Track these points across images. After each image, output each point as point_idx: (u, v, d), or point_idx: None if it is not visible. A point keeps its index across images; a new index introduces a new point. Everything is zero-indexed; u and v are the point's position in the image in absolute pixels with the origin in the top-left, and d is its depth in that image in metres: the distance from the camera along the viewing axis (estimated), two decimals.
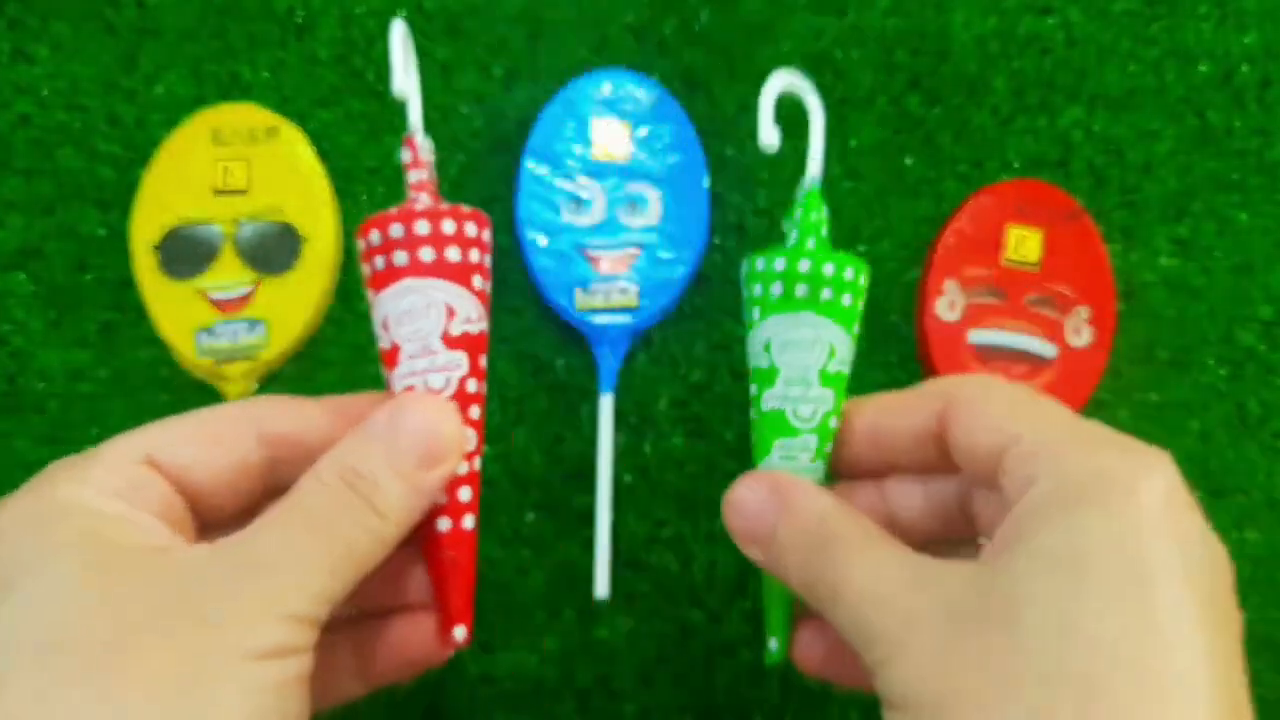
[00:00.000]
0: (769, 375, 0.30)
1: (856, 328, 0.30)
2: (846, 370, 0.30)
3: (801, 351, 0.29)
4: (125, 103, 0.42)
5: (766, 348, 0.30)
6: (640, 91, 0.41)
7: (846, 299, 0.29)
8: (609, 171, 0.41)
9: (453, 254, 0.30)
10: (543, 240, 0.40)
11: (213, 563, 0.23)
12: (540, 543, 0.41)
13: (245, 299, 0.40)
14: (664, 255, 0.41)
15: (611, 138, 0.41)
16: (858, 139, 0.43)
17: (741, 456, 0.41)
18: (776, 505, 0.28)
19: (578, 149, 0.41)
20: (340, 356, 0.41)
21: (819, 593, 0.26)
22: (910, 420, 0.28)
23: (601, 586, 0.40)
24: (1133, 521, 0.22)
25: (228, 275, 0.40)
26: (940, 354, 0.40)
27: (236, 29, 0.42)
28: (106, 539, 0.23)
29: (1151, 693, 0.21)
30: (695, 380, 0.41)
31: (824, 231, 0.30)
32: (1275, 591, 0.42)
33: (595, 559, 0.40)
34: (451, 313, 0.30)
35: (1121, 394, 0.42)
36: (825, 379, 0.29)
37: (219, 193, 0.40)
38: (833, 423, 0.30)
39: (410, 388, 0.29)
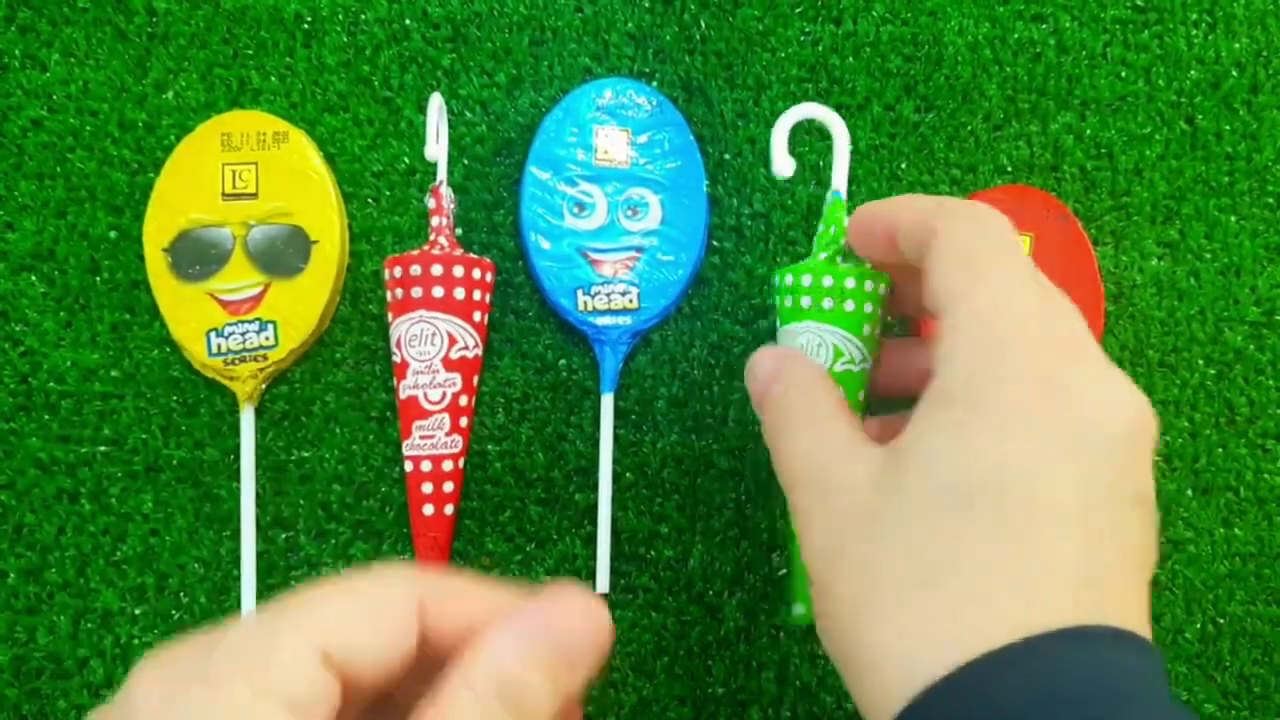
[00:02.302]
0: None
1: (867, 328, 0.33)
2: (857, 368, 0.33)
3: (810, 356, 0.33)
4: (136, 108, 0.43)
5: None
6: (641, 98, 0.42)
7: (849, 305, 0.33)
8: (610, 176, 0.42)
9: (459, 293, 0.36)
10: (545, 244, 0.41)
11: None
12: (543, 538, 0.41)
13: (255, 300, 0.41)
14: (664, 258, 0.41)
15: (612, 143, 0.42)
16: (853, 144, 0.43)
17: (739, 454, 0.42)
18: (776, 372, 0.30)
19: (580, 154, 0.42)
20: (348, 357, 0.42)
21: (773, 452, 0.29)
22: (914, 239, 0.28)
23: (602, 581, 0.40)
24: (1013, 447, 0.23)
25: (238, 277, 0.41)
26: None
27: (246, 36, 0.43)
28: None
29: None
30: (694, 380, 0.42)
31: (844, 241, 0.34)
32: (1263, 587, 0.42)
33: (596, 554, 0.40)
34: (452, 341, 0.36)
35: None
36: (834, 378, 0.32)
37: (229, 196, 0.41)
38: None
39: (412, 398, 0.35)
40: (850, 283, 0.33)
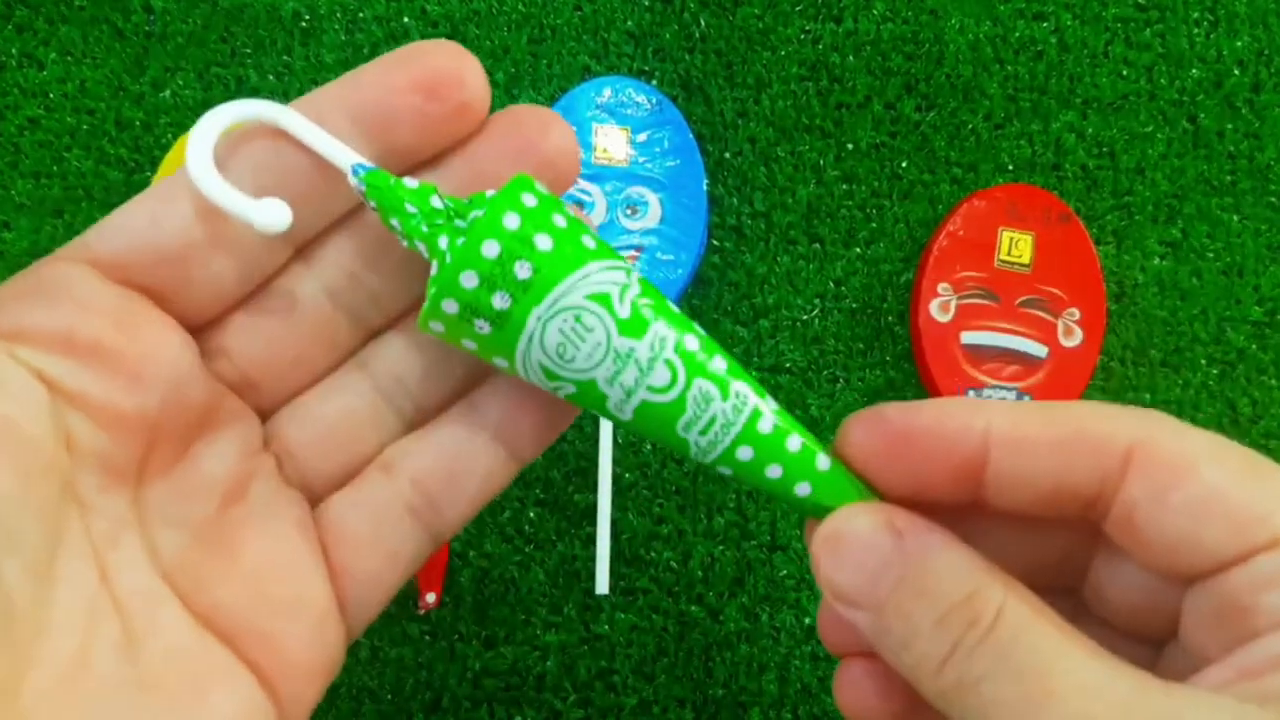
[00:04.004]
0: (589, 392, 0.20)
1: (586, 239, 0.20)
2: (636, 287, 0.20)
3: (581, 341, 0.19)
4: (133, 107, 0.43)
5: (550, 375, 0.20)
6: (640, 97, 0.42)
7: (543, 243, 0.19)
8: (609, 175, 0.42)
9: None
10: None
11: None
12: (542, 539, 0.41)
13: None
14: (663, 257, 0.41)
15: (612, 142, 0.42)
16: (854, 143, 0.43)
17: None
18: (897, 557, 0.19)
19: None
20: None
21: (979, 705, 0.17)
22: (1058, 471, 0.18)
23: (602, 582, 0.40)
24: None
25: None
26: (934, 355, 0.41)
27: (243, 34, 0.43)
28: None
29: None
30: None
31: (435, 202, 0.20)
32: None
33: (596, 555, 0.40)
34: None
35: (1113, 394, 0.43)
36: (628, 327, 0.19)
37: None
38: (690, 343, 0.20)
39: None
40: (511, 221, 0.19)
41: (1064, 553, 0.20)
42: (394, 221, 0.19)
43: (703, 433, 0.20)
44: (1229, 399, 0.43)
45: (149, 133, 0.42)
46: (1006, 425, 0.19)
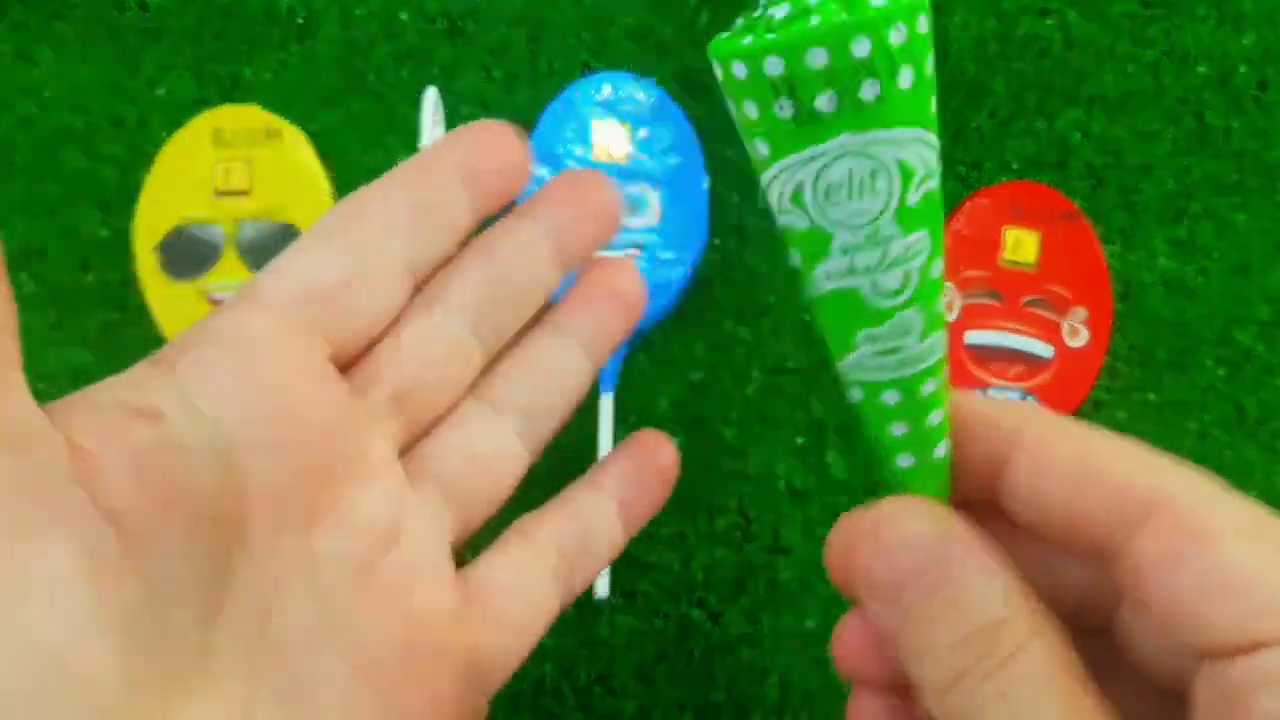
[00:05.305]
0: (815, 241, 0.19)
1: (934, 104, 0.17)
2: (935, 183, 0.18)
3: (857, 197, 0.17)
4: (127, 104, 0.42)
5: (797, 199, 0.18)
6: (640, 93, 0.42)
7: (906, 78, 0.17)
8: (609, 172, 0.41)
9: None
10: None
11: None
12: None
13: None
14: (664, 256, 0.41)
15: (611, 139, 0.41)
16: None
17: (742, 456, 0.41)
18: (940, 561, 0.18)
19: (578, 150, 0.41)
20: None
21: None
22: (1072, 497, 0.18)
23: (601, 585, 0.40)
24: None
25: (229, 276, 0.40)
26: None
27: (238, 31, 0.43)
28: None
29: None
30: (695, 380, 0.42)
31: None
32: None
33: None
34: None
35: (1119, 395, 0.42)
36: (907, 217, 0.18)
37: (220, 194, 0.41)
38: (936, 270, 0.18)
39: None
40: (898, 35, 0.16)
41: (1086, 591, 0.20)
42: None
43: (876, 354, 0.19)
44: (1236, 400, 0.42)
45: (143, 130, 0.42)
46: (1036, 433, 0.18)
